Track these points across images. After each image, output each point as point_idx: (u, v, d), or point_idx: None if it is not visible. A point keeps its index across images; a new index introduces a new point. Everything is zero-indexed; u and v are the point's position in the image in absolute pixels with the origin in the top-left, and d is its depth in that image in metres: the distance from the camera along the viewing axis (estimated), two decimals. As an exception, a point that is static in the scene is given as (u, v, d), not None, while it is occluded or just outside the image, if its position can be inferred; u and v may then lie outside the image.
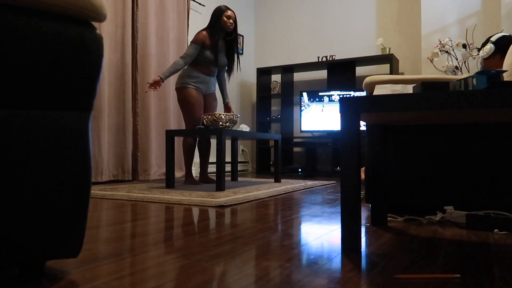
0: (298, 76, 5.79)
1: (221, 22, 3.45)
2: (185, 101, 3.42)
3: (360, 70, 5.32)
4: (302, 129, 5.18)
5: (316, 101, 5.10)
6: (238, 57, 3.69)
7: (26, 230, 0.88)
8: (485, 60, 2.30)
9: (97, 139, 3.58)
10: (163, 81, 3.32)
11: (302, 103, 5.16)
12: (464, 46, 3.70)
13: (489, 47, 2.23)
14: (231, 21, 3.46)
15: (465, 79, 1.25)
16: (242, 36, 5.87)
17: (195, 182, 3.51)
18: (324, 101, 5.07)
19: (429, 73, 4.29)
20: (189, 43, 4.80)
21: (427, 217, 1.78)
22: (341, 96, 4.69)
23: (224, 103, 3.83)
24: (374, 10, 5.26)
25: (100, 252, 1.23)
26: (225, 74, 3.75)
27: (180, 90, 3.44)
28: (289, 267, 1.07)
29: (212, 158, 5.24)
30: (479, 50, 2.37)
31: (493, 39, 2.26)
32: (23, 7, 0.86)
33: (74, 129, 0.94)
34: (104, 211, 2.06)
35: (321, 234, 1.51)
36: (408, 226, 1.67)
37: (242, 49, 5.87)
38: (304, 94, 5.15)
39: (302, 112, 5.17)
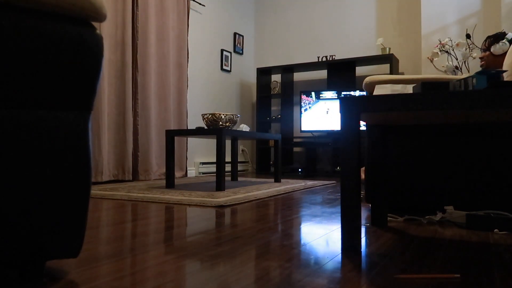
0: (298, 76, 5.79)
1: None
2: None
3: (360, 70, 5.32)
4: (302, 129, 5.18)
5: (316, 101, 5.10)
6: None
7: (26, 230, 0.88)
8: (495, 56, 2.29)
9: (97, 139, 3.58)
10: None
11: (302, 103, 5.17)
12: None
13: (507, 45, 2.23)
14: None
15: (465, 79, 1.25)
16: (242, 36, 5.88)
17: None
18: (324, 101, 5.07)
19: (429, 73, 4.29)
20: (188, 43, 4.81)
21: (427, 217, 1.78)
22: (341, 96, 4.69)
23: None
24: (374, 10, 5.26)
25: (100, 252, 1.23)
26: None
27: None
28: (289, 267, 1.07)
29: (212, 158, 5.24)
30: (490, 43, 2.35)
31: (508, 37, 2.26)
32: (23, 7, 0.86)
33: (74, 129, 0.94)
34: (104, 211, 2.06)
35: (321, 234, 1.51)
36: (408, 226, 1.66)
37: (242, 49, 5.87)
38: (304, 94, 5.15)
39: (302, 112, 5.17)
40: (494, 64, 2.32)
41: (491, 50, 2.31)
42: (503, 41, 2.26)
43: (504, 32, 2.34)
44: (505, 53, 2.26)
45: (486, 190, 1.77)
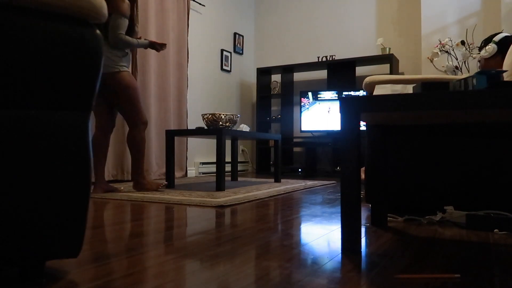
0: (298, 76, 5.79)
1: None
2: (131, 87, 2.81)
3: (360, 70, 5.32)
4: (302, 129, 5.18)
5: (315, 101, 5.10)
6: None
7: (26, 230, 0.88)
8: (486, 60, 2.28)
9: (97, 139, 3.57)
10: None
11: (302, 103, 5.17)
12: (463, 43, 3.70)
13: (492, 47, 2.21)
14: None
15: (465, 79, 1.25)
16: (242, 36, 5.88)
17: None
18: (322, 102, 5.07)
19: (429, 73, 4.29)
20: (188, 43, 4.81)
21: (427, 217, 1.78)
22: (341, 96, 4.69)
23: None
24: (374, 10, 5.26)
25: (100, 252, 1.23)
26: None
27: (123, 75, 2.78)
28: (289, 267, 1.07)
29: (212, 158, 5.24)
30: (480, 48, 2.36)
31: (496, 39, 2.24)
32: (23, 7, 0.86)
33: (74, 129, 0.94)
34: (104, 211, 2.06)
35: (321, 234, 1.51)
36: (408, 226, 1.66)
37: (242, 49, 5.87)
38: (301, 96, 5.15)
39: (302, 112, 5.17)
40: (485, 67, 2.31)
41: (480, 54, 2.31)
42: (490, 43, 2.25)
43: (496, 34, 2.33)
44: (494, 55, 2.24)
45: (486, 190, 1.77)
